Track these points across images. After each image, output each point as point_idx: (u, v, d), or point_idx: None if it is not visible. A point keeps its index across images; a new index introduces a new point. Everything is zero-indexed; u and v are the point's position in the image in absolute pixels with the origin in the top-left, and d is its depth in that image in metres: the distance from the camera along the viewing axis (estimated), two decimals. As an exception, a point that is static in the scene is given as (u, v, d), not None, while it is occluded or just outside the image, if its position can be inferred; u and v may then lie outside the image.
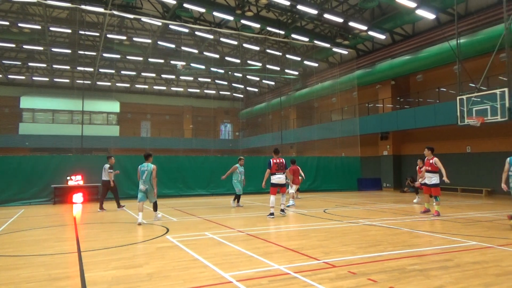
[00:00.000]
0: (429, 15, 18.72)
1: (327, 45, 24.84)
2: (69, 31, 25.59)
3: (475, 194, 18.37)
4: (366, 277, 4.88)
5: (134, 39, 27.27)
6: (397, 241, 7.26)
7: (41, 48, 28.55)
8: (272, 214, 10.74)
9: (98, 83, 37.28)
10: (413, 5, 17.87)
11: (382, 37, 22.66)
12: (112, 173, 12.93)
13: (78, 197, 15.74)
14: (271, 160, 11.04)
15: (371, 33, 21.90)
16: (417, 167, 14.22)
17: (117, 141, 34.96)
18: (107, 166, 12.93)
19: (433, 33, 21.08)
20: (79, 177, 15.95)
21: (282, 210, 11.29)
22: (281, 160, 11.08)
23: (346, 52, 26.15)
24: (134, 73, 35.92)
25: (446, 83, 20.17)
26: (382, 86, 24.13)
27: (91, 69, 33.29)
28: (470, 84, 15.26)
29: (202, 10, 21.25)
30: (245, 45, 28.18)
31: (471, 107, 13.42)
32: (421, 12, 18.34)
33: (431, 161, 11.05)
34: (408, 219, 10.32)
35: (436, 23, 20.88)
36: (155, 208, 10.40)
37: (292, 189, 14.40)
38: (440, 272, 5.13)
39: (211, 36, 26.07)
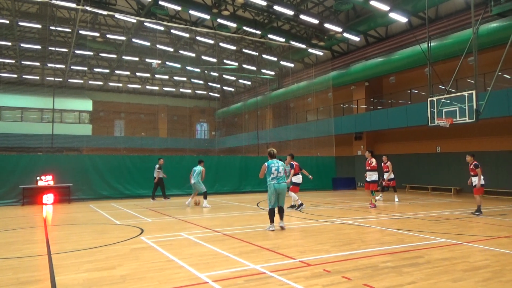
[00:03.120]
0: (402, 19, 19.23)
1: (303, 46, 25.07)
2: (39, 26, 24.77)
3: (444, 193, 18.96)
4: (341, 275, 4.96)
5: (108, 36, 26.66)
6: (370, 239, 7.41)
7: (9, 44, 27.47)
8: (301, 204, 12.47)
9: (69, 80, 36.23)
10: (386, 8, 18.31)
11: (357, 39, 23.08)
12: (161, 171, 15.94)
13: (48, 198, 15.26)
14: (292, 162, 12.61)
15: (346, 35, 22.27)
16: (382, 163, 15.44)
17: (90, 140, 34.12)
18: (157, 166, 16.04)
19: (405, 36, 21.65)
20: (49, 177, 15.45)
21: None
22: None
23: (321, 53, 26.48)
24: (107, 70, 35.11)
25: (417, 85, 20.75)
26: (357, 87, 24.56)
27: (63, 66, 32.29)
28: (440, 86, 15.77)
29: (178, 8, 21.01)
30: (221, 44, 28.07)
31: (441, 109, 13.86)
32: (393, 16, 18.81)
33: (369, 161, 13.02)
34: (381, 218, 10.56)
35: (408, 27, 21.45)
36: (204, 196, 13.64)
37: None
38: (412, 268, 5.27)
39: (187, 35, 25.83)
